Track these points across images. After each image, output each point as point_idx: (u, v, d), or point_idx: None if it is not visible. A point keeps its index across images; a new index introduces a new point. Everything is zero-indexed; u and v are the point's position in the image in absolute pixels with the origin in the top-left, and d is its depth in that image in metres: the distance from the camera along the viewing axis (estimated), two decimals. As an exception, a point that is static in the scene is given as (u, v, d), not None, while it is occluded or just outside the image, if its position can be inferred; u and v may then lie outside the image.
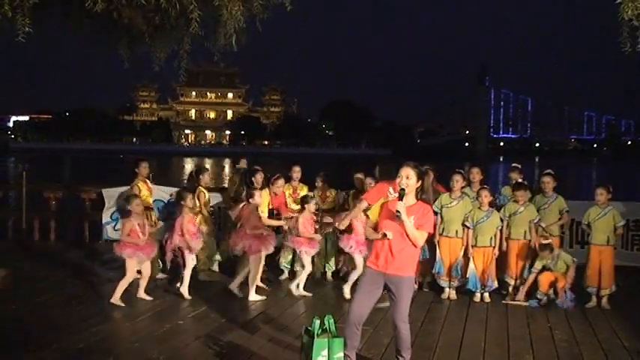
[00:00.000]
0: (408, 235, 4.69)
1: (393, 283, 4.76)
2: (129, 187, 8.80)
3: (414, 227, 4.67)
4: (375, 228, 4.98)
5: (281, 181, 8.29)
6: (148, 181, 8.57)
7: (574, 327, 6.51)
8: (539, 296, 7.24)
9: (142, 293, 7.31)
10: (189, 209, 7.68)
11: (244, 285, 7.47)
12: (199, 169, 8.67)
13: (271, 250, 7.74)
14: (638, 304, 7.62)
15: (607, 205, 7.40)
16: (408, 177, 4.74)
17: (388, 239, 4.74)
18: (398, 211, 4.61)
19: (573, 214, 8.19)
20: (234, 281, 7.53)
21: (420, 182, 4.79)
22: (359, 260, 7.36)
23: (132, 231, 7.20)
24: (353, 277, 7.39)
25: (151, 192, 8.67)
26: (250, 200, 7.41)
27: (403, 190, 4.70)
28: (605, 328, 6.50)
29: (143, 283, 7.35)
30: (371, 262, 4.87)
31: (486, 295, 7.49)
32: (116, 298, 7.00)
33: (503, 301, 7.41)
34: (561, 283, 7.14)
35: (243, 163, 9.98)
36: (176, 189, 11.10)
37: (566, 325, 6.57)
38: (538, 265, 7.28)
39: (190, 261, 7.53)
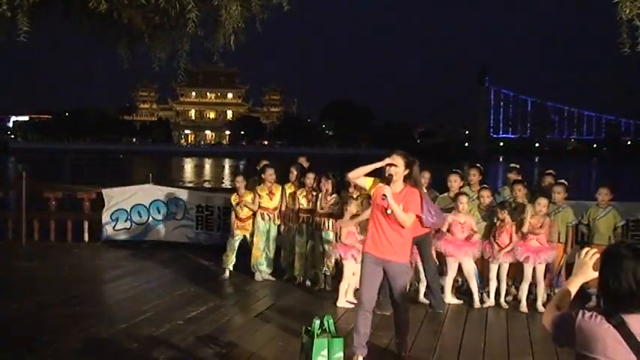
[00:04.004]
0: (397, 219, 4.93)
1: (392, 268, 5.08)
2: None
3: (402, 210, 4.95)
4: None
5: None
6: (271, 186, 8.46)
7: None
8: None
9: (350, 297, 7.19)
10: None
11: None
12: (264, 168, 8.49)
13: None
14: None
15: (607, 205, 7.39)
16: (397, 165, 5.02)
17: (382, 228, 5.01)
18: (384, 195, 4.87)
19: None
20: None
21: (407, 170, 5.07)
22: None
23: (349, 233, 7.17)
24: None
25: (271, 197, 8.42)
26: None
27: (391, 175, 4.97)
28: (605, 328, 6.48)
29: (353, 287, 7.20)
30: (369, 249, 5.13)
31: (485, 295, 7.48)
32: (341, 301, 7.10)
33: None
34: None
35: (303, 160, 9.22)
36: (175, 189, 11.15)
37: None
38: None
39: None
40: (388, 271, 5.09)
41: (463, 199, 7.29)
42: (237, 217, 8.43)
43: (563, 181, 7.79)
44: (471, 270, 7.24)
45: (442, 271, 7.37)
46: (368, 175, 5.19)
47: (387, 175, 4.99)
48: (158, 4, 4.81)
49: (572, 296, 2.56)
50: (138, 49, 6.11)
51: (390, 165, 5.00)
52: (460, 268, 7.34)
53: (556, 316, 2.46)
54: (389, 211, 4.90)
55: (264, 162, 8.83)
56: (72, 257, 9.79)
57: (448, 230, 7.28)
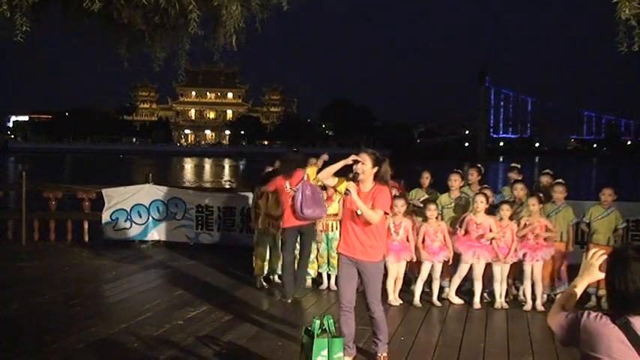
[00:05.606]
0: (365, 218, 4.94)
1: (365, 269, 5.11)
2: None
3: (369, 208, 4.95)
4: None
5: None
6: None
7: (574, 327, 6.49)
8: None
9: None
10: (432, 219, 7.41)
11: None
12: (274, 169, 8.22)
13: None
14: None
15: (610, 205, 7.39)
16: (364, 163, 5.02)
17: (353, 230, 5.05)
18: (347, 190, 4.94)
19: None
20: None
21: (376, 168, 5.06)
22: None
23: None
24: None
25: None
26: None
27: (357, 174, 5.02)
28: (605, 328, 6.47)
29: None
30: (342, 249, 5.19)
31: (486, 296, 7.47)
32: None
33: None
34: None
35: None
36: (175, 189, 11.15)
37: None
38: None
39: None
40: (362, 271, 5.11)
41: (479, 198, 7.18)
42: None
43: (561, 180, 7.79)
44: (479, 272, 7.22)
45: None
46: (335, 174, 5.23)
47: (354, 172, 5.05)
48: (158, 4, 4.81)
49: (578, 297, 2.57)
50: (138, 49, 6.11)
51: (357, 163, 5.04)
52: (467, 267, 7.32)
53: (561, 317, 2.47)
54: (359, 212, 4.93)
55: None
56: (72, 257, 9.78)
57: (464, 229, 7.27)
